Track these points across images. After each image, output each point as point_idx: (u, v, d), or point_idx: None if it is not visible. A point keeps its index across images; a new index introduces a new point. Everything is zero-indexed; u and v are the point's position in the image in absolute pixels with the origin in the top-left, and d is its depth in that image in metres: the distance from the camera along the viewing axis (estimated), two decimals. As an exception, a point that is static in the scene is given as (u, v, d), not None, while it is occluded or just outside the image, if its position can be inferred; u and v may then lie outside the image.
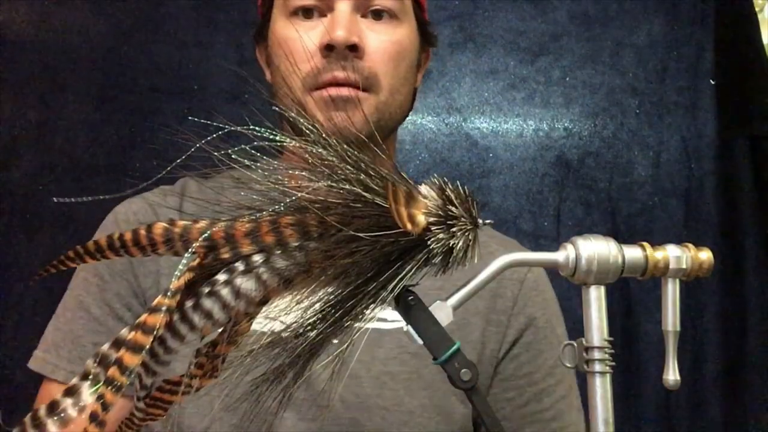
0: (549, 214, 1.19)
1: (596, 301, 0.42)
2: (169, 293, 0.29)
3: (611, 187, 1.20)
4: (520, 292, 0.77)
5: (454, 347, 0.38)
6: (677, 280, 0.43)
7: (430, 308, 0.39)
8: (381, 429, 0.67)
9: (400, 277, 0.31)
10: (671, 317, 0.43)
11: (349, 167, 0.29)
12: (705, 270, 0.43)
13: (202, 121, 0.29)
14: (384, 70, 0.71)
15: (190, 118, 0.29)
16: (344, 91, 0.69)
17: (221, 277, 0.30)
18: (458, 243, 0.31)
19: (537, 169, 1.21)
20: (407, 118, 0.84)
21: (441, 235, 0.30)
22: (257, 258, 0.29)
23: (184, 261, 0.29)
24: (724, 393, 1.15)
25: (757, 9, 1.19)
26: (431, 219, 0.30)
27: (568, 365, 0.42)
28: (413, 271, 0.31)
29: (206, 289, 0.30)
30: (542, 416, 0.74)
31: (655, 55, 1.23)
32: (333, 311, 0.32)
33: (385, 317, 0.71)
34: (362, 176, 0.29)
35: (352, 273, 0.30)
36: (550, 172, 1.21)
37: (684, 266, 0.42)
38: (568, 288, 1.18)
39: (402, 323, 0.74)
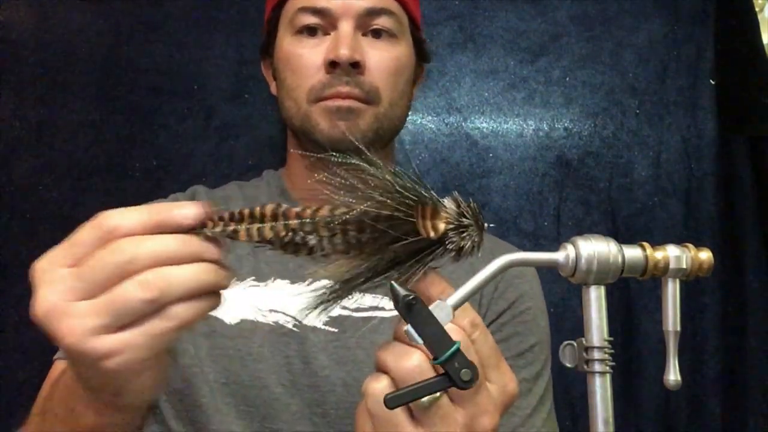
0: (549, 214, 1.19)
1: (596, 301, 0.42)
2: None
3: (611, 187, 1.20)
4: (503, 278, 0.77)
5: (455, 347, 0.38)
6: (677, 280, 0.43)
7: (430, 308, 0.39)
8: None
9: (422, 263, 0.42)
10: (671, 317, 0.43)
11: (387, 191, 0.40)
12: (705, 270, 0.43)
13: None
14: (384, 85, 0.77)
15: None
16: (347, 103, 0.75)
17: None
18: (467, 244, 0.41)
19: (537, 169, 1.21)
20: (407, 119, 0.85)
21: (455, 239, 0.41)
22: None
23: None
24: (724, 393, 1.15)
25: (757, 9, 1.19)
26: (450, 226, 0.41)
27: (568, 365, 0.42)
28: (433, 261, 0.42)
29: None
30: None
31: (655, 55, 1.23)
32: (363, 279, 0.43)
33: (383, 306, 0.75)
34: (396, 195, 0.40)
35: (384, 260, 0.41)
36: (550, 172, 1.20)
37: (684, 266, 0.42)
38: (568, 288, 1.19)
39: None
